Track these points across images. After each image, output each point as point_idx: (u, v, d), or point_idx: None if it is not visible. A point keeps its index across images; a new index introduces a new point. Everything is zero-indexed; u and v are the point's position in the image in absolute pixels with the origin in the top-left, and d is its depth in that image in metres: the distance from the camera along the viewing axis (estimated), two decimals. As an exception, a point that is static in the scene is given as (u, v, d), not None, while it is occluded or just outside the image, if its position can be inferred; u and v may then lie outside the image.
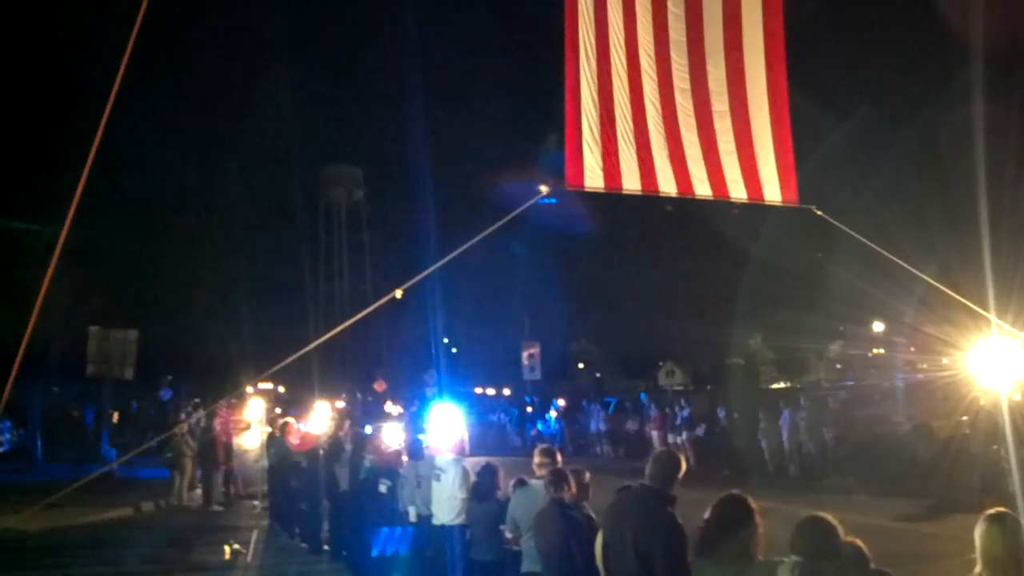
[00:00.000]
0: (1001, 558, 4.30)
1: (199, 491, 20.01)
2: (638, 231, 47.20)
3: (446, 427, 12.39)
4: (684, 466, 6.20)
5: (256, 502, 18.51)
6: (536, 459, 7.95)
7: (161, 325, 33.46)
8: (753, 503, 5.28)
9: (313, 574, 13.30)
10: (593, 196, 9.26)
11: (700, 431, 26.93)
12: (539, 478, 7.78)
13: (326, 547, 14.26)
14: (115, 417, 24.58)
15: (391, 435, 15.28)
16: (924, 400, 22.57)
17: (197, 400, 21.37)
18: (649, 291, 48.10)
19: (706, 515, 5.31)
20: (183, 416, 19.49)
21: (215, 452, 19.66)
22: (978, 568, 4.37)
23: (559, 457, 7.93)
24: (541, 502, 7.38)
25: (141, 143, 35.04)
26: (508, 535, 8.39)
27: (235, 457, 20.78)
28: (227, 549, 13.93)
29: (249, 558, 13.81)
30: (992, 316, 8.82)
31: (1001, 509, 4.54)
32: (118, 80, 6.85)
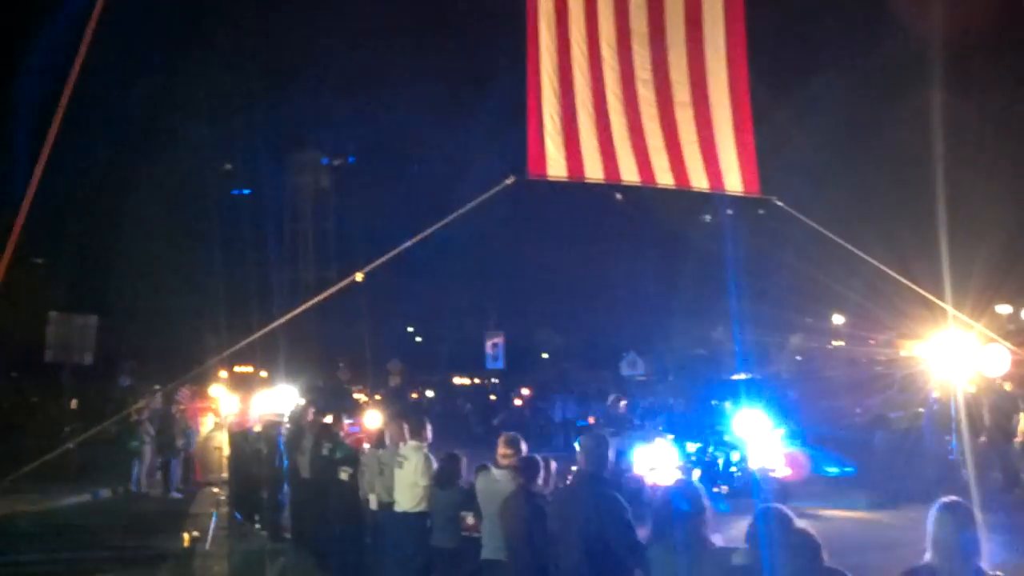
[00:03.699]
0: (949, 545, 4.37)
1: (159, 477, 19.88)
2: (602, 222, 47.29)
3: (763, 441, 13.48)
4: (609, 443, 6.49)
5: (216, 489, 18.43)
6: (500, 449, 7.96)
7: (122, 312, 33.19)
8: (699, 486, 5.38)
9: (273, 561, 13.27)
10: (556, 187, 9.29)
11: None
12: (502, 467, 7.81)
13: (287, 534, 14.23)
14: (73, 403, 24.29)
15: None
16: (882, 392, 22.84)
17: (157, 387, 21.18)
18: (613, 282, 48.23)
19: (655, 503, 5.40)
20: (141, 402, 19.30)
21: (173, 438, 19.52)
22: (928, 555, 4.45)
23: (523, 446, 7.97)
24: (503, 490, 7.42)
25: (101, 126, 34.54)
26: (469, 522, 8.41)
27: (195, 443, 20.65)
28: (186, 536, 13.89)
29: (208, 545, 13.78)
30: (949, 307, 8.95)
31: (954, 498, 4.62)
32: (77, 65, 6.76)
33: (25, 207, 7.05)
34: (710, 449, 16.95)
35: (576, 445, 6.67)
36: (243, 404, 17.26)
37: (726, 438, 17.04)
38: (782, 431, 17.07)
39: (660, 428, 18.80)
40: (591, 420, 22.62)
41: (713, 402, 20.13)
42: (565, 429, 31.50)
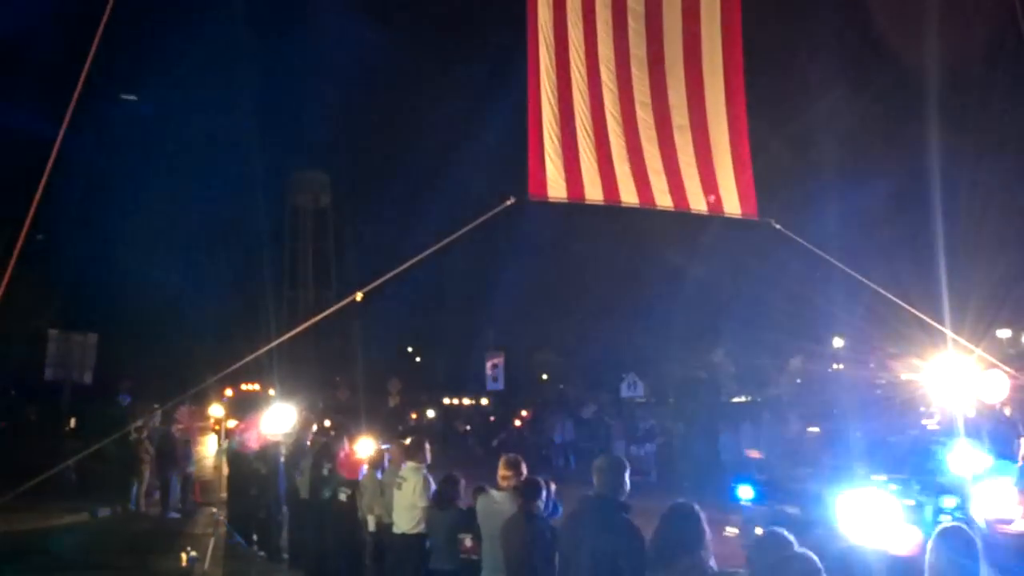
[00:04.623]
0: (946, 572, 4.37)
1: (157, 497, 19.81)
2: (603, 245, 47.36)
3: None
4: (628, 467, 6.35)
5: (215, 509, 18.37)
6: (501, 471, 7.96)
7: (122, 331, 33.16)
8: (700, 510, 5.36)
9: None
10: (558, 209, 9.33)
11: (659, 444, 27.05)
12: (502, 489, 7.80)
13: (284, 555, 14.18)
14: (72, 422, 24.26)
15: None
16: (882, 416, 22.81)
17: (156, 405, 21.16)
18: (614, 304, 48.25)
19: (656, 527, 5.38)
20: (140, 421, 19.28)
21: (173, 457, 19.48)
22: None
23: (523, 468, 7.96)
24: (503, 512, 7.41)
25: (101, 145, 34.63)
26: (467, 544, 8.40)
27: (194, 463, 20.60)
28: (184, 556, 13.81)
29: (207, 565, 13.71)
30: (948, 331, 8.96)
31: (954, 524, 4.62)
32: (79, 87, 6.80)
33: (26, 226, 7.08)
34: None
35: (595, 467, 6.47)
36: (247, 424, 17.17)
37: (939, 479, 12.59)
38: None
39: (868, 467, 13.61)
40: (755, 454, 18.51)
41: (915, 431, 16.08)
42: (565, 451, 31.46)
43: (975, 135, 26.58)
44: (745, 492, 12.31)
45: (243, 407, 24.80)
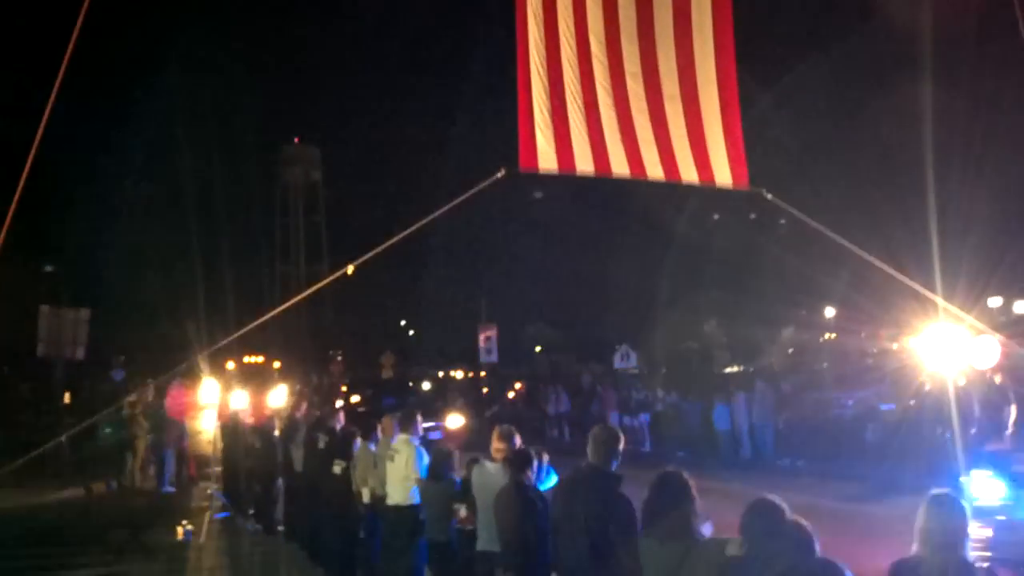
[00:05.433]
0: (936, 537, 4.41)
1: (152, 472, 19.85)
2: (596, 216, 47.36)
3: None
4: (622, 438, 6.39)
5: (210, 483, 18.43)
6: (494, 443, 8.00)
7: (114, 306, 33.14)
8: (689, 478, 5.40)
9: (266, 555, 13.29)
10: (549, 182, 9.31)
11: (654, 412, 27.14)
12: (496, 460, 7.84)
13: (280, 528, 14.25)
14: (67, 398, 24.24)
15: None
16: (873, 384, 22.96)
17: (150, 380, 21.14)
18: (605, 276, 48.32)
19: (645, 495, 5.42)
20: (133, 396, 19.28)
21: (168, 432, 19.49)
22: (915, 546, 4.49)
23: (517, 439, 8.00)
24: (497, 483, 7.45)
25: (92, 118, 34.49)
26: (461, 515, 8.44)
27: (189, 437, 20.61)
28: (180, 530, 13.88)
29: (202, 539, 13.78)
30: (939, 299, 8.97)
31: (944, 490, 4.66)
32: (67, 58, 6.74)
33: (15, 201, 7.04)
34: None
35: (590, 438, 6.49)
36: (254, 398, 17.15)
37: None
38: None
39: None
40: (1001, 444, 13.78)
41: None
42: (559, 423, 31.54)
43: (968, 99, 26.57)
44: (993, 489, 9.91)
45: (253, 379, 24.75)
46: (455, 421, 14.21)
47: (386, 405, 23.20)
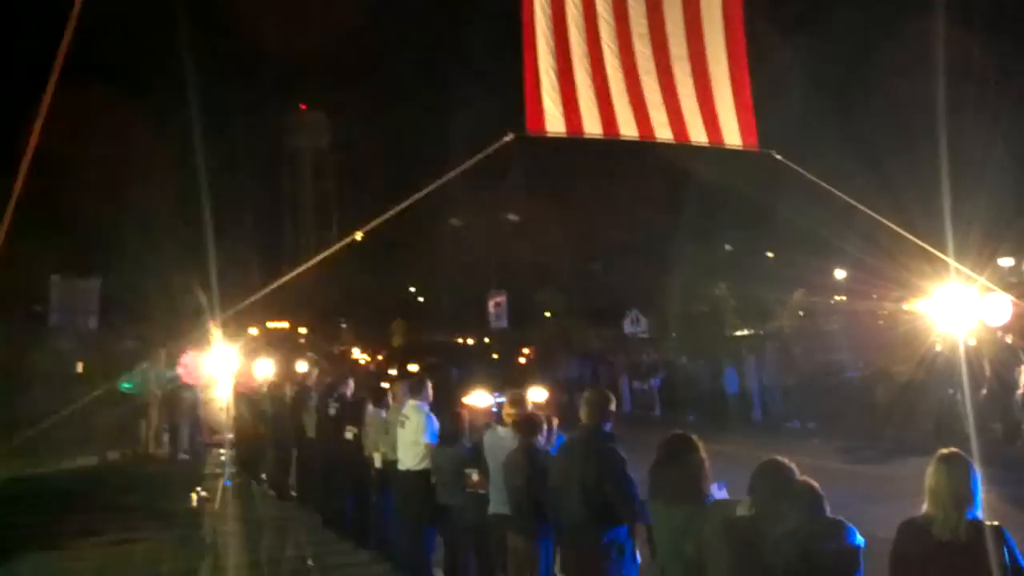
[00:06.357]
0: (946, 496, 4.41)
1: (166, 439, 19.97)
2: (604, 180, 47.12)
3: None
4: (613, 400, 6.54)
5: (223, 450, 18.53)
6: (506, 408, 8.07)
7: (125, 275, 33.17)
8: (697, 439, 5.43)
9: (280, 520, 13.38)
10: (556, 145, 9.26)
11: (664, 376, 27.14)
12: (507, 425, 7.90)
13: (293, 493, 14.36)
14: (79, 367, 24.36)
15: None
16: (884, 346, 22.90)
17: (162, 348, 21.23)
18: (615, 239, 48.21)
19: (654, 458, 5.46)
20: (146, 364, 19.37)
21: (181, 400, 19.57)
22: (925, 506, 4.50)
23: (527, 404, 8.07)
24: (508, 447, 7.51)
25: (100, 87, 34.33)
26: (473, 479, 8.50)
27: (202, 405, 20.71)
28: (193, 497, 13.98)
29: (216, 505, 13.88)
30: (951, 260, 8.93)
31: (953, 450, 4.66)
32: (71, 25, 6.70)
33: (23, 172, 7.03)
34: None
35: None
36: (278, 366, 17.15)
37: None
38: None
39: None
40: None
41: None
42: (570, 388, 31.56)
43: (981, 56, 26.28)
44: None
45: (280, 345, 24.70)
46: (538, 394, 14.14)
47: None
